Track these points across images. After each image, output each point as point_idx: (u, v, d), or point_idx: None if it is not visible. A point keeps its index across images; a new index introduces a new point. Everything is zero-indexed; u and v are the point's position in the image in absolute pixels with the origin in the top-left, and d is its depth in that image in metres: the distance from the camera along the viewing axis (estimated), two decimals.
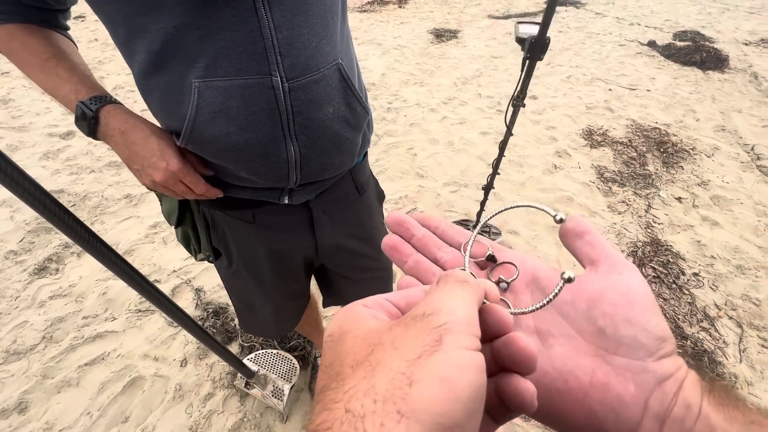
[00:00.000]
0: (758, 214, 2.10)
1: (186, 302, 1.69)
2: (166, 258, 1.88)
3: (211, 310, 1.64)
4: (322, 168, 0.66)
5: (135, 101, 3.16)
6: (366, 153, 0.81)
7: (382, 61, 3.98)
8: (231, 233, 0.76)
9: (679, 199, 2.22)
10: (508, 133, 1.31)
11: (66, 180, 2.34)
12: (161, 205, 0.81)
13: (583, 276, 0.23)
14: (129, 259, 0.86)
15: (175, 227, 0.81)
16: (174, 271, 1.82)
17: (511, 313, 0.20)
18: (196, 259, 0.88)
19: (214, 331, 1.57)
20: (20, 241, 1.94)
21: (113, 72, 3.62)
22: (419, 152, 2.64)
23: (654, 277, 1.77)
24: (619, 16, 5.19)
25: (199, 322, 0.98)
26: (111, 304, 1.68)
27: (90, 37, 4.32)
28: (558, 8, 5.63)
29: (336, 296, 1.03)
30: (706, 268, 1.82)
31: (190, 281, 1.77)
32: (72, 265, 1.85)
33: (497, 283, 0.26)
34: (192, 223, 0.79)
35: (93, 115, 0.57)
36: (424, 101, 3.23)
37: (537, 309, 0.22)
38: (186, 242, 0.84)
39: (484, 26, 4.91)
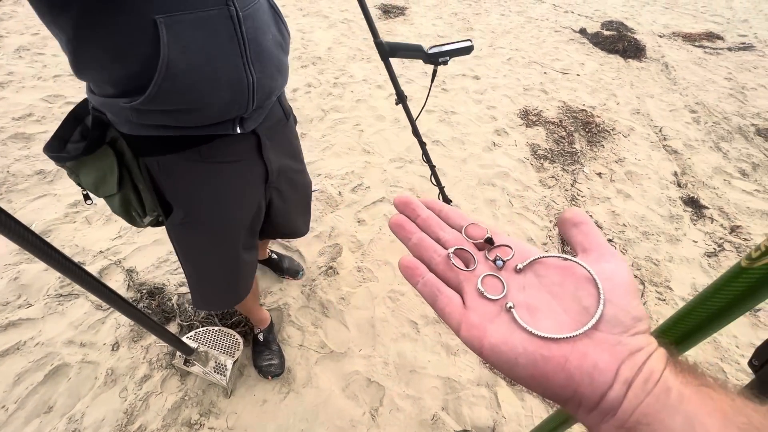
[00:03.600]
0: (662, 188, 2.39)
1: (117, 284, 1.58)
2: (91, 238, 1.73)
3: (145, 291, 1.55)
4: (270, 92, 0.74)
5: (45, 65, 2.78)
6: None
7: (328, 34, 3.85)
8: (180, 178, 0.75)
9: (599, 174, 2.46)
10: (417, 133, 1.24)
11: None
12: (80, 178, 0.74)
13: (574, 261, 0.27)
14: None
15: (115, 194, 0.75)
16: (101, 251, 1.68)
17: (541, 337, 0.23)
18: (141, 225, 0.83)
19: (150, 311, 1.49)
20: None
21: (15, 30, 3.13)
22: (366, 128, 2.63)
23: None
24: (555, 3, 5.46)
25: (133, 304, 0.92)
26: (25, 290, 1.52)
27: None
28: None
29: (269, 226, 1.03)
30: (619, 235, 2.06)
31: (120, 262, 1.65)
32: None
33: (494, 261, 0.28)
34: (132, 185, 0.75)
35: None
36: (371, 77, 3.20)
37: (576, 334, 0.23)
38: (126, 209, 0.79)
39: (431, 5, 4.92)
